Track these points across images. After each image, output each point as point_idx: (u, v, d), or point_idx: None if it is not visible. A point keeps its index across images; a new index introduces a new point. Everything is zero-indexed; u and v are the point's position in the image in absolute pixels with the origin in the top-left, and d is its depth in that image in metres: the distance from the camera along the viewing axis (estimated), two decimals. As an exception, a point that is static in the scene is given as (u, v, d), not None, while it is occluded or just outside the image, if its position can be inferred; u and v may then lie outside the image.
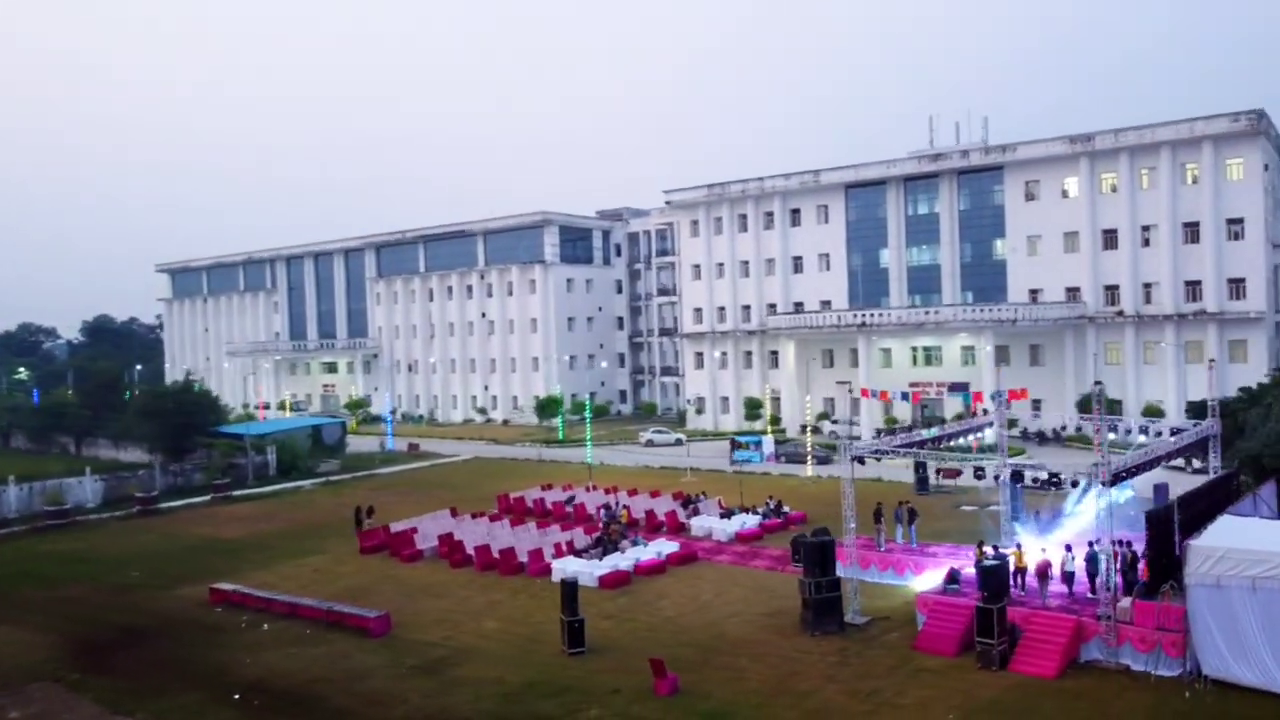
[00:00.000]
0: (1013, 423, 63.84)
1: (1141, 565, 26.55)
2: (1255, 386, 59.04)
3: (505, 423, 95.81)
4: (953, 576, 29.42)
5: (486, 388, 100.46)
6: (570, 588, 27.63)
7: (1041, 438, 66.99)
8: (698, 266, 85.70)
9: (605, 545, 38.03)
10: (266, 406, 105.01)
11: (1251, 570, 22.33)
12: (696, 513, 44.29)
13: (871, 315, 70.44)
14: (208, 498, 56.55)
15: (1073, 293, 68.18)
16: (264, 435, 66.16)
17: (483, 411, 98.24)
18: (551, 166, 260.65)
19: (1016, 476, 39.21)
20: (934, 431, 40.15)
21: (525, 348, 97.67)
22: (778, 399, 79.95)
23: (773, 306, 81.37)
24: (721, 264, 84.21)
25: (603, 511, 43.93)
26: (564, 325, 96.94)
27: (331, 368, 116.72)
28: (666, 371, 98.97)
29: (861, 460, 33.45)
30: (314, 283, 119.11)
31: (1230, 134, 62.26)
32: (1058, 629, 24.96)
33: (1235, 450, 35.47)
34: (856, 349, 75.74)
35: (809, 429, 67.33)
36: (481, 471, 64.81)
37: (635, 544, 38.41)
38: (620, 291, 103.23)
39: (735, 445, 66.11)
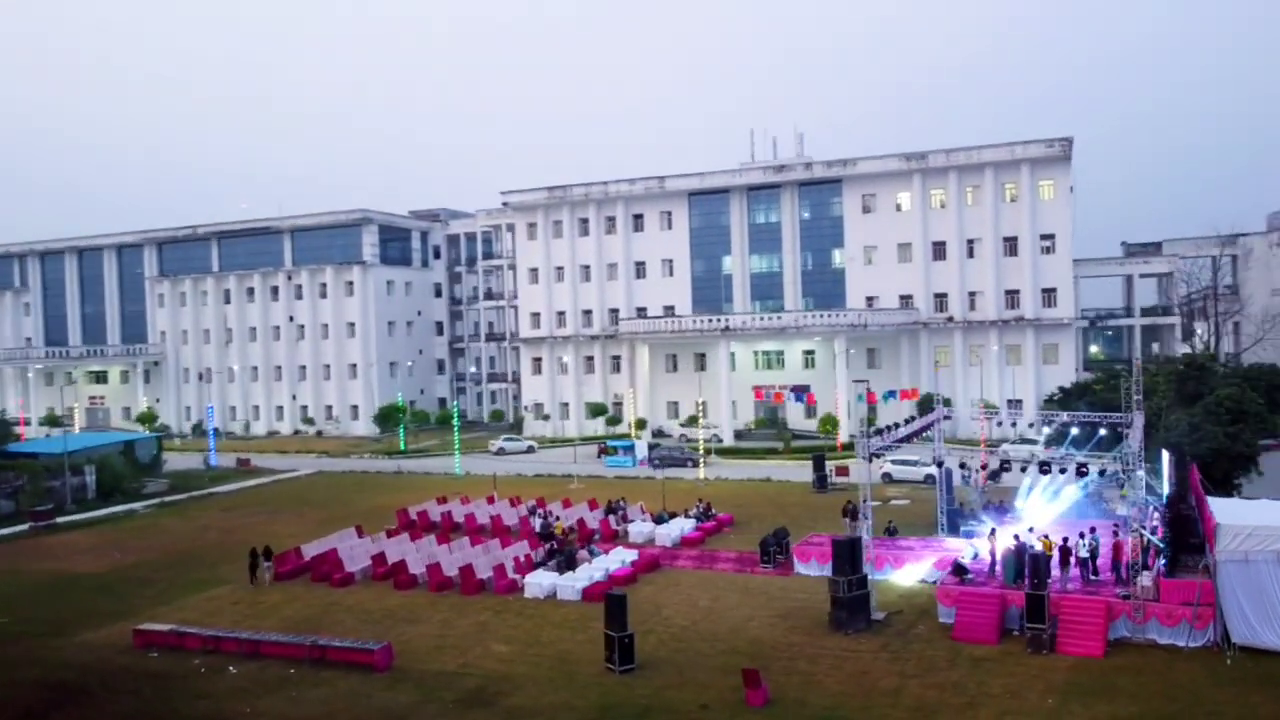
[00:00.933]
0: (761, 422, 67.38)
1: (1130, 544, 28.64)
2: (1069, 385, 65.87)
3: (319, 434, 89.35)
4: (959, 567, 30.47)
5: (294, 397, 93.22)
6: (617, 602, 25.97)
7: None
8: (536, 270, 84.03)
9: (561, 557, 36.22)
10: (27, 422, 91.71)
11: (1277, 544, 24.68)
12: (626, 519, 43.26)
13: (734, 320, 71.92)
14: (25, 527, 48.54)
15: (906, 300, 73.07)
16: (70, 454, 57.57)
17: (310, 421, 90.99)
18: (375, 165, 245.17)
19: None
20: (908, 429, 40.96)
21: (341, 354, 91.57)
22: (620, 404, 79.97)
23: (615, 312, 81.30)
24: (561, 268, 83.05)
25: (536, 523, 41.94)
26: (384, 330, 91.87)
27: (100, 377, 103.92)
28: (494, 378, 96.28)
29: (874, 458, 33.90)
30: (77, 282, 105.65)
31: (1045, 158, 69.23)
32: (1092, 611, 26.37)
33: (1155, 441, 39.16)
34: (704, 354, 77.44)
35: (682, 433, 67.98)
36: (337, 486, 60.02)
37: (593, 554, 36.87)
38: (440, 295, 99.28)
39: (605, 450, 65.35)
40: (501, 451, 72.24)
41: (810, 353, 75.39)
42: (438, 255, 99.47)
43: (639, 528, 41.94)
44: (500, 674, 25.83)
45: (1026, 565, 28.13)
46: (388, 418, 73.27)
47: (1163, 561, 27.05)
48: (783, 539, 37.47)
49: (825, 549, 35.17)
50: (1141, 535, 27.98)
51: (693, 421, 72.12)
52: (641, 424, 73.16)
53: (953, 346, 72.24)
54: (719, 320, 71.62)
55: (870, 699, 23.20)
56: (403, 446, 74.87)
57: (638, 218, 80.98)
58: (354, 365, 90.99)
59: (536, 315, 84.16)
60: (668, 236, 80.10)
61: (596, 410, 78.56)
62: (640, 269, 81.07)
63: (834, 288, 75.62)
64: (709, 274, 79.39)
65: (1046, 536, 30.98)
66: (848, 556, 28.79)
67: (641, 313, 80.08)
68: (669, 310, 79.13)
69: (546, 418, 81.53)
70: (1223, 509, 26.32)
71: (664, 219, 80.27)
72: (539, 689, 24.62)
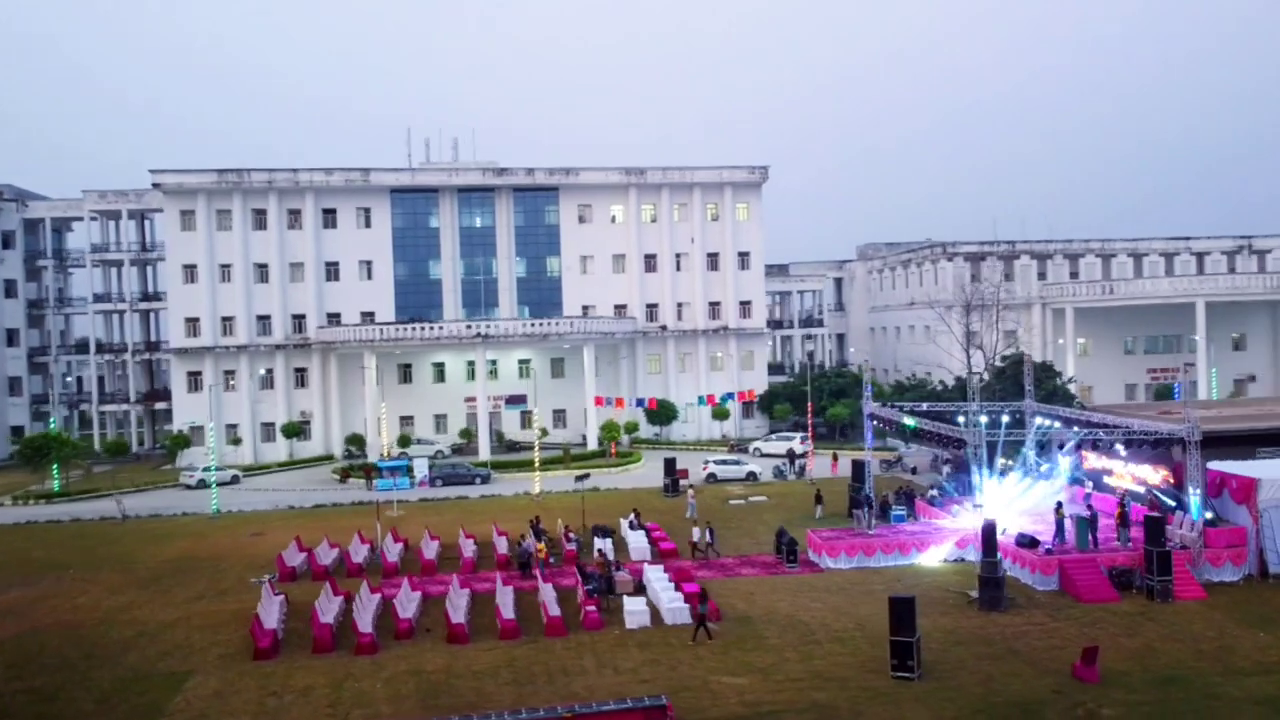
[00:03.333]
0: (544, 431, 67.98)
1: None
2: (766, 387, 73.22)
3: None
4: (1029, 539, 33.48)
5: None
6: (905, 605, 24.45)
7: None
8: (193, 267, 70.26)
9: (599, 582, 32.17)
10: None
11: (1299, 491, 31.68)
12: (568, 539, 39.34)
13: (487, 326, 67.25)
14: None
15: (620, 309, 75.12)
16: None
17: None
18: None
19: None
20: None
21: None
22: (308, 421, 70.57)
23: (301, 318, 71.42)
24: (229, 265, 70.59)
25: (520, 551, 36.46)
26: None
27: None
28: (111, 398, 77.86)
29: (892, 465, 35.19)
30: None
31: (745, 182, 76.27)
32: (1179, 562, 31.07)
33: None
34: (409, 364, 71.73)
35: (443, 448, 62.13)
36: (79, 540, 44.72)
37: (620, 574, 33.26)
38: (11, 295, 77.74)
39: (372, 473, 57.42)
40: (202, 484, 59.36)
41: (525, 362, 73.74)
42: (7, 244, 77.84)
43: (601, 545, 38.45)
44: (790, 705, 22.82)
45: (1098, 530, 32.20)
46: (38, 450, 55.43)
47: (1207, 515, 32.78)
48: (781, 536, 37.41)
49: (834, 543, 36.26)
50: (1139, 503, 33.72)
51: (405, 441, 66.50)
52: (360, 441, 65.21)
53: (665, 354, 75.98)
54: (471, 327, 66.75)
55: (1175, 662, 24.97)
56: (56, 487, 57.47)
57: (329, 213, 72.05)
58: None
59: (194, 321, 70.35)
60: (367, 236, 72.50)
61: (292, 430, 68.23)
62: (333, 270, 72.21)
63: (550, 296, 74.94)
64: (414, 278, 73.51)
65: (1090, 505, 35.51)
66: (990, 542, 30.25)
67: (334, 319, 71.39)
68: (367, 317, 71.69)
69: (238, 442, 68.59)
70: (1254, 469, 32.89)
71: (361, 216, 72.50)
72: (884, 710, 22.35)
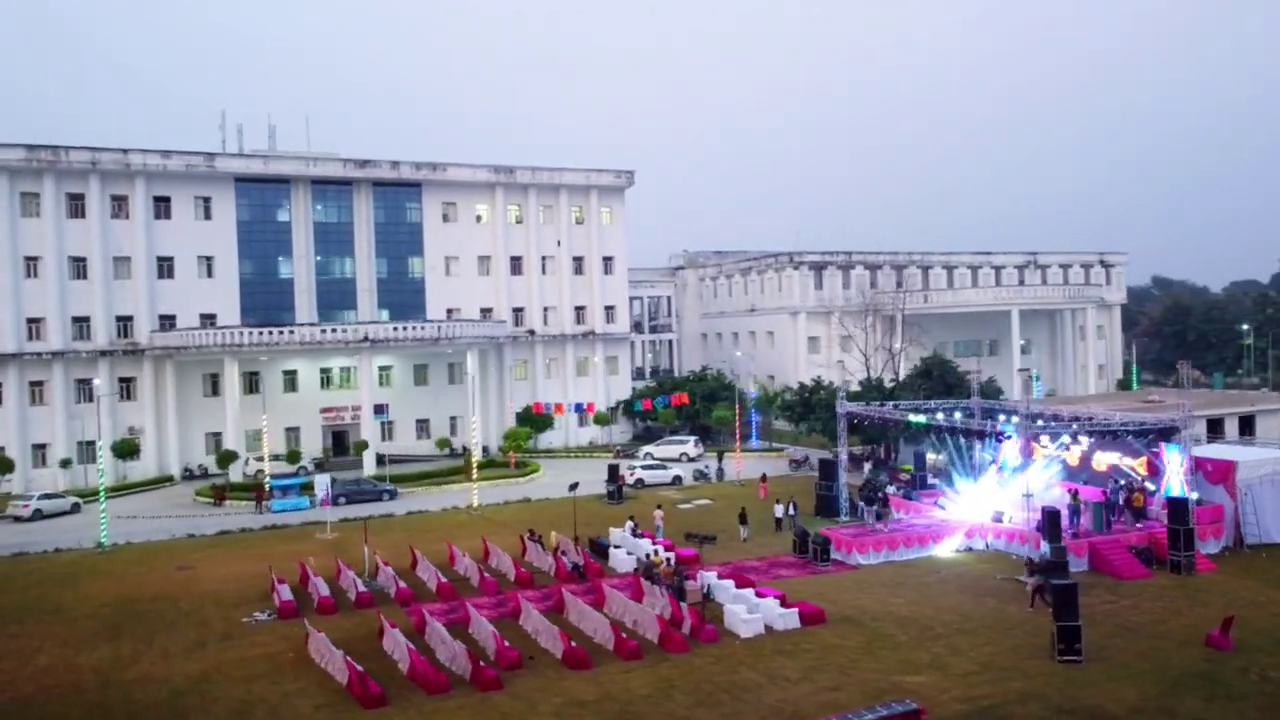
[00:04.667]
0: (444, 442, 65.38)
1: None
2: (630, 393, 73.40)
3: None
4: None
5: None
6: (1067, 591, 25.26)
7: (453, 453, 68.15)
8: (-13, 260, 59.36)
9: (669, 591, 30.76)
10: None
11: (1263, 471, 36.18)
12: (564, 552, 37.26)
13: (374, 330, 61.57)
14: None
15: (486, 313, 71.99)
16: None
17: None
18: None
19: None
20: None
21: None
22: (136, 439, 61.81)
23: (127, 321, 62.39)
24: (37, 258, 60.26)
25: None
26: None
27: None
28: None
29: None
30: None
31: (611, 186, 75.70)
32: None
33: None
34: (256, 373, 64.83)
35: (306, 464, 56.43)
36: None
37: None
38: None
39: (263, 495, 51.09)
40: (39, 514, 50.21)
41: (387, 368, 68.90)
42: None
43: (620, 555, 36.67)
44: (1006, 697, 22.97)
45: (1113, 515, 35.11)
46: None
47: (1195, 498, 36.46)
48: (805, 536, 37.49)
49: (861, 540, 37.07)
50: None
51: (229, 458, 59.91)
52: (231, 457, 57.98)
53: (533, 360, 73.69)
54: (363, 329, 60.99)
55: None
56: None
57: (162, 202, 63.41)
58: None
59: (-10, 323, 59.44)
60: (207, 229, 64.54)
61: (125, 449, 59.31)
62: (166, 267, 63.59)
63: (413, 298, 70.43)
64: (263, 277, 66.39)
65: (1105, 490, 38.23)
66: (1053, 528, 32.00)
67: (168, 322, 62.99)
68: (208, 320, 63.84)
69: (68, 464, 58.31)
70: (1227, 453, 37.05)
71: (201, 207, 64.47)
72: (1094, 691, 22.98)
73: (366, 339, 60.09)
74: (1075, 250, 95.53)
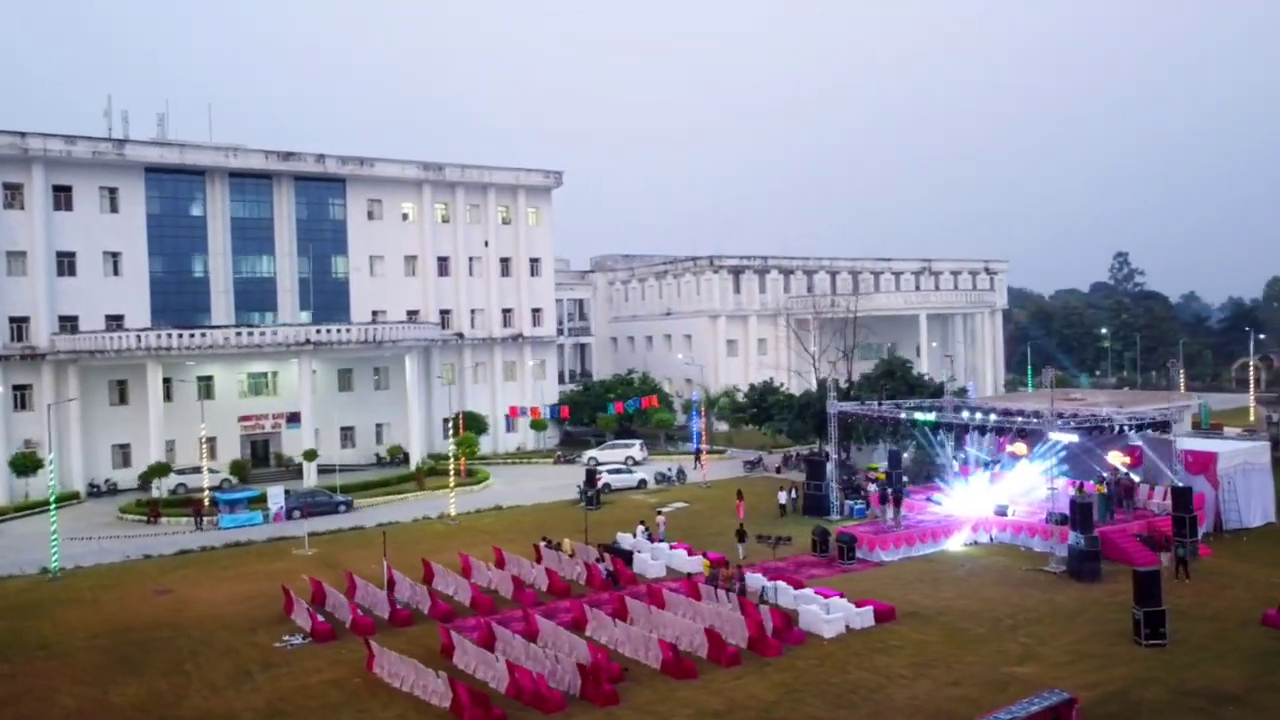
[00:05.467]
0: (396, 449, 62.56)
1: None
2: (557, 397, 72.18)
3: None
4: (1059, 517, 37.13)
5: None
6: (1150, 578, 26.28)
7: (389, 460, 65.38)
8: None
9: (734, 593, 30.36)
10: None
11: (1237, 461, 38.96)
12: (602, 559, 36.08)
13: (318, 332, 57.63)
14: None
15: (412, 315, 69.11)
16: None
17: None
18: None
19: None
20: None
21: None
22: (33, 451, 56.05)
23: (23, 322, 56.46)
24: (-83, 252, 53.73)
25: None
26: None
27: None
28: None
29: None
30: None
31: (539, 186, 74.11)
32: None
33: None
34: (169, 379, 59.92)
35: (230, 478, 52.72)
36: None
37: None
38: None
39: (203, 510, 47.16)
40: (-56, 540, 44.68)
41: (313, 374, 64.98)
42: None
43: (646, 560, 35.78)
44: (1128, 681, 23.70)
45: (1115, 506, 36.97)
46: None
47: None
48: (826, 536, 37.67)
49: (882, 537, 37.71)
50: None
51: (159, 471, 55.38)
52: (163, 470, 53.19)
53: (461, 363, 71.24)
54: (304, 332, 57.07)
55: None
56: None
57: (62, 191, 57.66)
58: None
59: None
60: (114, 222, 59.12)
61: (26, 464, 53.54)
62: (67, 263, 57.85)
63: (336, 299, 66.73)
64: (175, 276, 61.38)
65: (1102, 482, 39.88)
66: (1083, 519, 33.31)
67: (69, 324, 57.39)
68: (114, 321, 58.54)
69: None
70: (1208, 445, 39.55)
71: (107, 198, 59.01)
72: (1206, 671, 23.96)
73: (309, 342, 56.55)
74: (963, 258, 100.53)
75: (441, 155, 75.83)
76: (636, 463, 62.47)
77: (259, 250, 64.24)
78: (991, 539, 38.97)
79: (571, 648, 26.01)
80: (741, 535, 38.15)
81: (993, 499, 40.09)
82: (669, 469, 57.10)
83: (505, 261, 73.41)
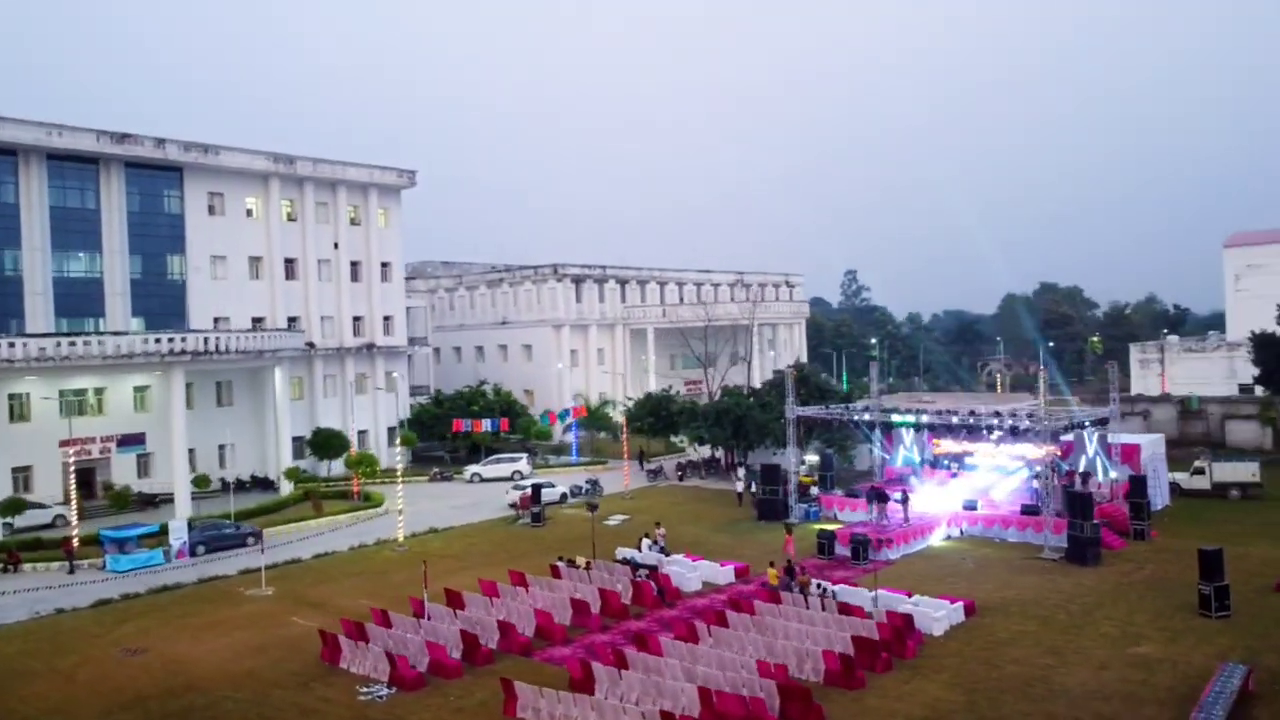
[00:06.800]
0: (202, 480, 55.55)
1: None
2: (409, 412, 68.25)
3: None
4: (1032, 508, 39.98)
5: None
6: (1214, 557, 28.93)
7: (243, 485, 58.35)
8: None
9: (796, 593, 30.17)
10: None
11: (1154, 450, 44.01)
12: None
13: (184, 341, 49.23)
14: None
15: (258, 322, 62.01)
16: None
17: None
18: None
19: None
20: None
21: None
22: None
23: None
24: None
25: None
26: None
27: None
28: None
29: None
30: None
31: (392, 186, 69.11)
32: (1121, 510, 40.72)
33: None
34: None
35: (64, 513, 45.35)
36: None
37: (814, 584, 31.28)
38: None
39: (74, 550, 39.44)
40: None
41: (144, 389, 56.68)
42: None
43: (681, 575, 34.42)
44: (1232, 651, 25.98)
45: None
46: None
47: (1113, 476, 42.96)
48: (831, 539, 38.11)
49: (881, 536, 38.93)
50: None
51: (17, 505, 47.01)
52: (17, 505, 43.71)
53: (312, 376, 64.81)
54: (163, 339, 48.67)
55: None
56: None
57: None
58: None
59: None
60: (-98, 206, 48.27)
61: None
62: None
63: (173, 304, 58.46)
64: (-19, 274, 51.11)
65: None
66: (1082, 508, 36.06)
67: None
68: (-99, 328, 47.87)
69: None
70: (1132, 437, 44.07)
71: (-109, 176, 48.09)
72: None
73: (184, 352, 48.97)
74: (766, 271, 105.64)
75: (315, 151, 68.79)
76: (524, 476, 60.05)
77: (83, 246, 54.96)
78: (962, 532, 41.25)
79: (742, 663, 24.49)
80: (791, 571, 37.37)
81: (958, 496, 42.48)
82: (584, 481, 55.20)
83: (355, 265, 67.88)
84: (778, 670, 23.91)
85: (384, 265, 69.51)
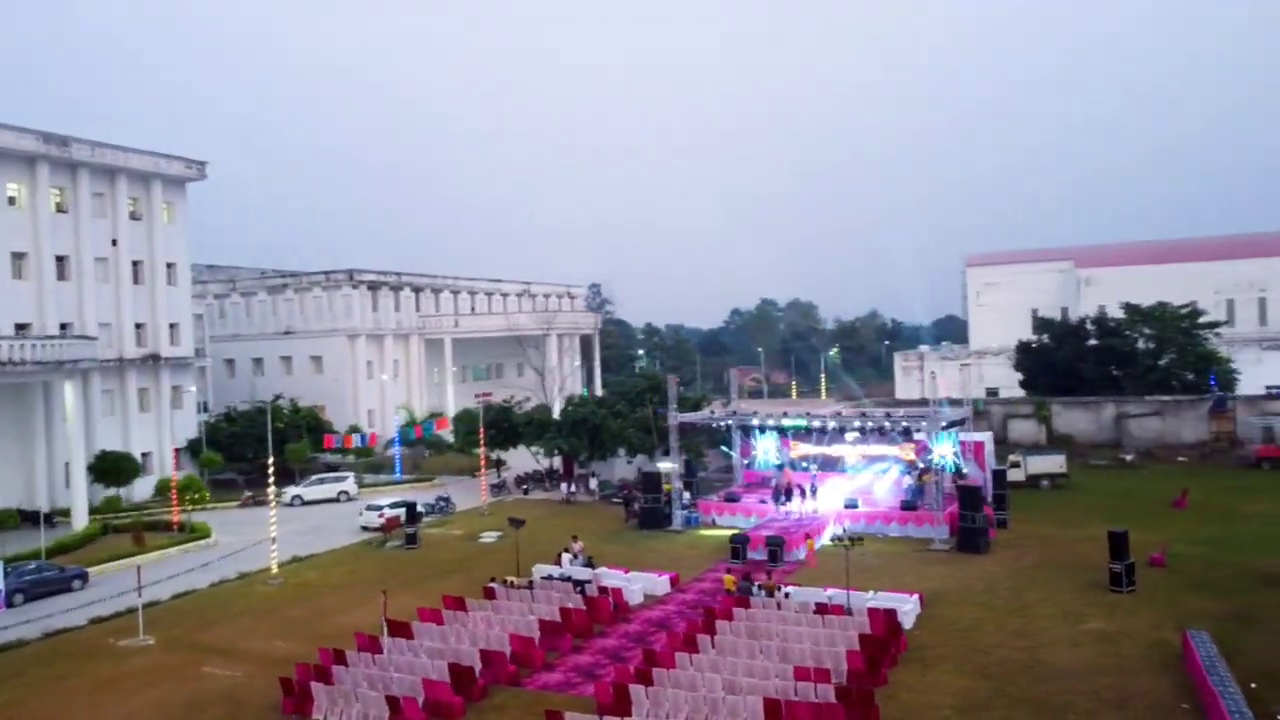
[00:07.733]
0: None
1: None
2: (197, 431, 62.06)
3: None
4: (911, 504, 42.43)
5: None
6: (1121, 538, 32.07)
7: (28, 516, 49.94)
8: None
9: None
10: None
11: (988, 448, 48.27)
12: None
13: (20, 349, 40.24)
14: None
15: (22, 329, 52.88)
16: None
17: None
18: None
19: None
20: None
21: None
22: None
23: None
24: None
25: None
26: None
27: None
28: None
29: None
30: None
31: (179, 177, 61.45)
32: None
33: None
34: None
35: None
36: None
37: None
38: None
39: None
40: None
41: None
42: None
43: (620, 583, 33.17)
44: (1174, 614, 29.03)
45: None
46: None
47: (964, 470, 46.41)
48: (745, 542, 38.35)
49: (787, 539, 39.99)
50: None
51: None
52: None
53: (88, 391, 55.93)
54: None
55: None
56: None
57: None
58: None
59: None
60: None
61: None
62: None
63: (-82, 307, 48.53)
64: None
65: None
66: (973, 502, 38.78)
67: None
68: None
69: None
70: (977, 435, 47.84)
71: None
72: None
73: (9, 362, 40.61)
74: (551, 282, 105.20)
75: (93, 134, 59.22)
76: (350, 497, 55.79)
77: None
78: (845, 530, 42.96)
79: (775, 670, 23.92)
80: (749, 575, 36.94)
81: (839, 496, 44.30)
82: (435, 498, 51.80)
83: (137, 265, 59.77)
84: (818, 674, 23.67)
85: (169, 266, 61.77)
